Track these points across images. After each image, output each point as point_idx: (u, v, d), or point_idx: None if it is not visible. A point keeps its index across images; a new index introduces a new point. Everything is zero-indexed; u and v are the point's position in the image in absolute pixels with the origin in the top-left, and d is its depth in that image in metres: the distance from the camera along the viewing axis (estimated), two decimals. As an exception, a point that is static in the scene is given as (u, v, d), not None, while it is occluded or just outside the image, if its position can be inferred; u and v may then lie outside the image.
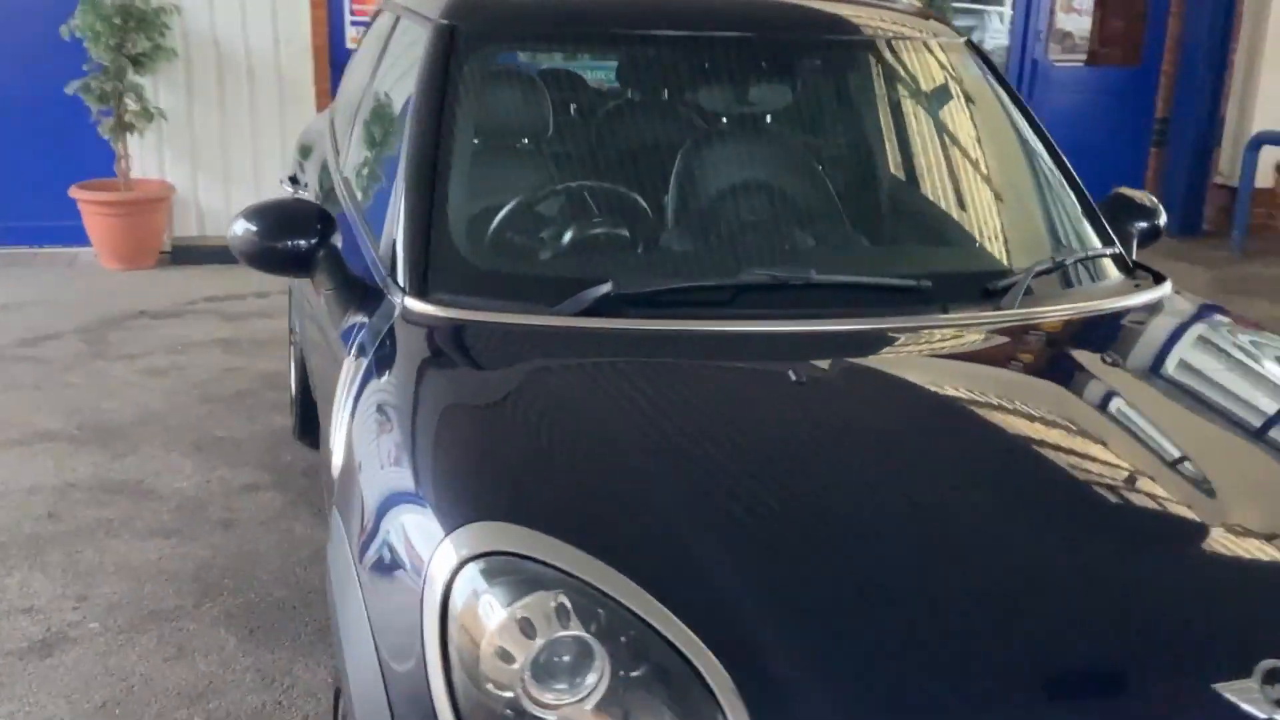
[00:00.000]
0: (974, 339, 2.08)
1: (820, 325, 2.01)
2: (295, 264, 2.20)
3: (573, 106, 2.53)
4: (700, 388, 1.91)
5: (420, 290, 2.03)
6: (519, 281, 2.13)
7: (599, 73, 3.01)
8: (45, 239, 6.54)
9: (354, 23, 6.79)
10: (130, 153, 6.26)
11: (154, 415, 4.37)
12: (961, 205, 2.45)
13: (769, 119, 2.62)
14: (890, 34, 2.62)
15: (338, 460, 1.90)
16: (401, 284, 2.06)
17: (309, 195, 3.64)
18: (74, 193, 6.18)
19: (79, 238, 6.38)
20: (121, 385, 4.66)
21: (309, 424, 4.01)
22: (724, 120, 2.61)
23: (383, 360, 1.93)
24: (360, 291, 2.20)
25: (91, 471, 3.88)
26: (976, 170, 2.52)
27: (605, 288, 1.99)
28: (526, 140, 2.45)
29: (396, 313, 2.01)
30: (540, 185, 2.36)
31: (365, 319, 2.11)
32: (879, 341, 2.04)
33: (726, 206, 2.34)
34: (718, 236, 2.30)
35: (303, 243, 2.16)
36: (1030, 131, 2.55)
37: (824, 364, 1.95)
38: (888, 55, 2.66)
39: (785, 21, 2.58)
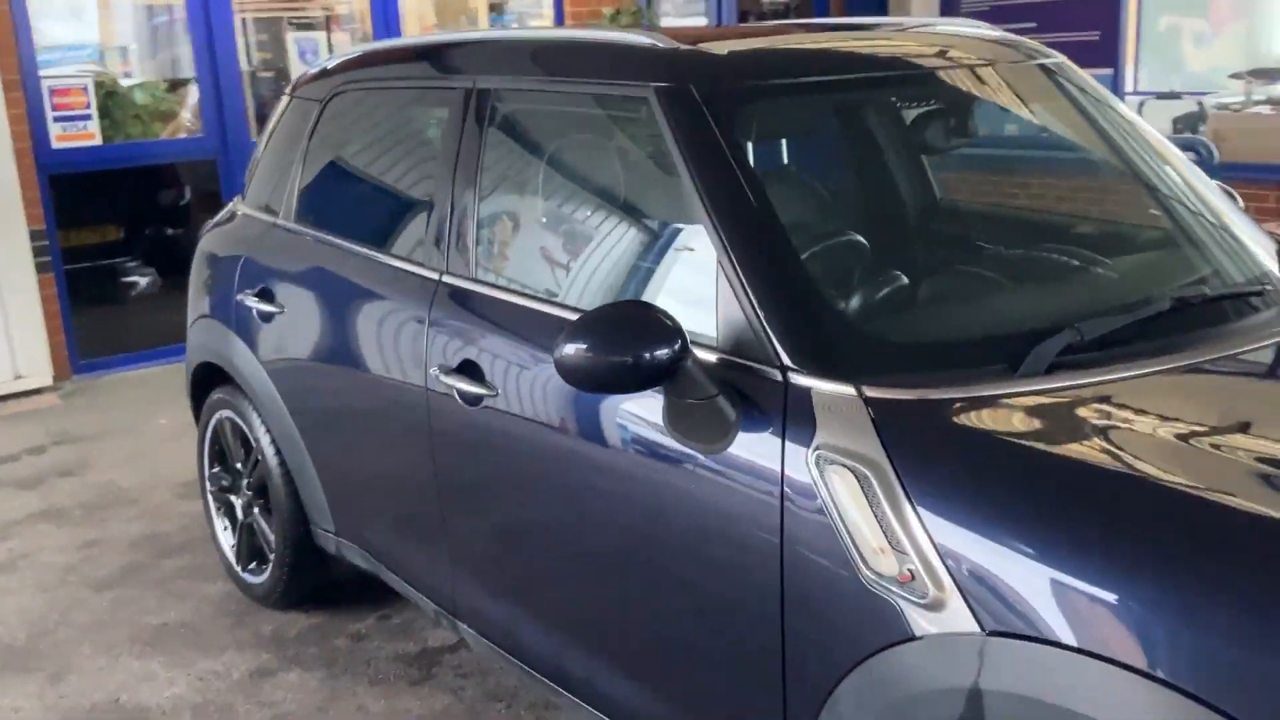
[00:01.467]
0: None
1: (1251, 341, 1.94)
2: (657, 378, 1.81)
3: (847, 151, 2.27)
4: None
5: (842, 374, 1.74)
6: (930, 348, 1.87)
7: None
8: None
9: (58, 119, 5.79)
10: None
11: (49, 620, 3.46)
12: (1188, 214, 2.43)
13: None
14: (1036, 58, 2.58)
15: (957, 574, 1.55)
16: (802, 367, 1.75)
17: (311, 315, 3.04)
18: None
19: None
20: (-33, 593, 3.65)
21: (298, 585, 3.38)
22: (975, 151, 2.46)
23: (917, 463, 1.61)
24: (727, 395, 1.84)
25: (39, 706, 3.00)
26: (1165, 184, 2.53)
27: (1066, 336, 1.80)
28: (823, 191, 2.17)
29: (847, 407, 1.70)
30: (869, 235, 2.08)
31: (765, 424, 1.77)
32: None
33: (1071, 231, 2.21)
34: (1089, 264, 2.15)
35: (665, 351, 1.78)
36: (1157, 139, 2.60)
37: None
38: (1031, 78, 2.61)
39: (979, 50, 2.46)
